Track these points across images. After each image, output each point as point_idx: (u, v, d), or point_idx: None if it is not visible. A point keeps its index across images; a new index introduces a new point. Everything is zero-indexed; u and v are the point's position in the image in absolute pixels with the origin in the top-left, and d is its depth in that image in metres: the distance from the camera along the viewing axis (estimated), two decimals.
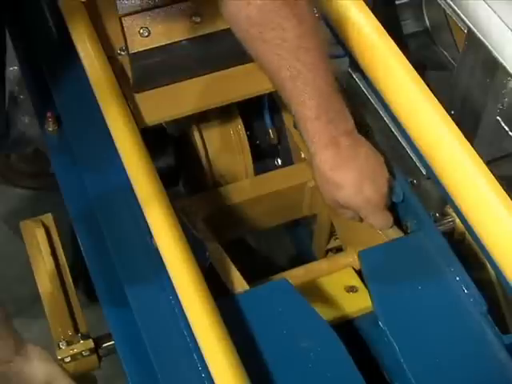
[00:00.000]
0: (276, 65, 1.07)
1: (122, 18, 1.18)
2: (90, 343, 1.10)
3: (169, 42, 1.20)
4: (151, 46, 1.20)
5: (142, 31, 1.19)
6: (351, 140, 1.10)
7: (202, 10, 1.20)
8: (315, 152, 1.10)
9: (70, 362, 1.10)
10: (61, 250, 1.24)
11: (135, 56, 1.20)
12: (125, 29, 1.19)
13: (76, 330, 1.15)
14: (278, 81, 1.09)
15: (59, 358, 1.10)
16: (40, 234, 1.23)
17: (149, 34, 1.19)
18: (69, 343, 1.11)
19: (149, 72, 1.22)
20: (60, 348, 1.11)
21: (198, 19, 1.20)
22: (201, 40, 1.22)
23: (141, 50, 1.20)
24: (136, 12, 1.18)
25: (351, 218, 1.16)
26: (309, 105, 1.07)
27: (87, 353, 1.10)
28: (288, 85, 1.08)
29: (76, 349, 1.10)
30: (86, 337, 1.12)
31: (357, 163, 1.10)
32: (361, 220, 1.16)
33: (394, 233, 1.16)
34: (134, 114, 1.19)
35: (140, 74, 1.22)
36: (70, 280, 1.21)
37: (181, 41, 1.21)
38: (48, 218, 1.26)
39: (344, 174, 1.10)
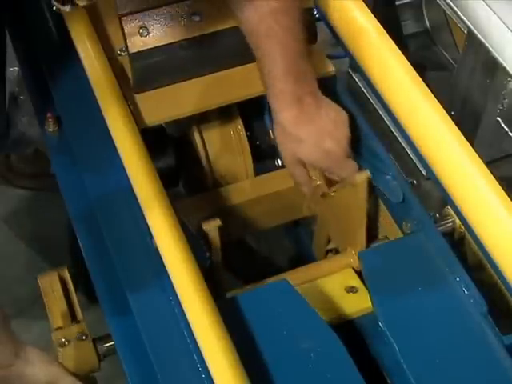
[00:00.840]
0: (256, 23, 1.13)
1: (122, 18, 1.18)
2: (83, 326, 1.11)
3: (168, 41, 1.21)
4: (151, 46, 1.20)
5: (141, 31, 1.19)
6: (314, 99, 1.15)
7: (201, 9, 1.20)
8: (279, 109, 1.16)
9: (65, 344, 1.10)
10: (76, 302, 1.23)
11: (135, 56, 1.20)
12: (124, 28, 1.19)
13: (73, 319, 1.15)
14: (256, 39, 1.14)
15: (54, 339, 1.11)
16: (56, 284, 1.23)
17: (148, 33, 1.19)
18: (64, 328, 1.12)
19: (149, 72, 1.22)
20: (55, 331, 1.12)
21: (198, 19, 1.20)
22: (201, 40, 1.22)
23: (140, 49, 1.20)
24: (135, 12, 1.18)
25: (306, 180, 1.22)
26: (279, 64, 1.13)
27: (80, 334, 1.10)
28: (263, 42, 1.13)
29: (70, 330, 1.11)
30: (79, 322, 1.13)
31: (318, 120, 1.15)
32: (317, 180, 1.22)
33: (360, 177, 1.18)
34: (134, 114, 1.19)
35: (140, 75, 1.22)
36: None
37: (180, 40, 1.21)
38: (64, 272, 1.25)
39: (305, 129, 1.15)
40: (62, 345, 1.10)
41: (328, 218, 1.33)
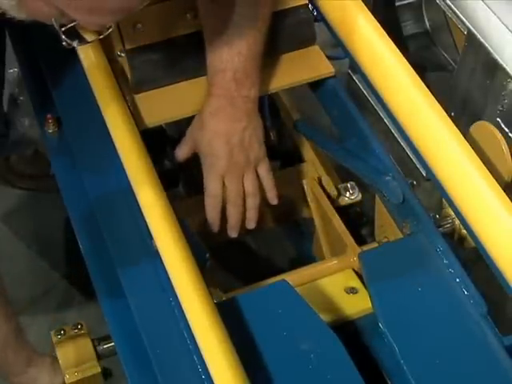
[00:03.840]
0: (211, 12, 1.15)
1: None
2: (84, 328, 1.12)
3: (165, 37, 1.21)
4: (147, 42, 1.20)
5: (137, 26, 1.19)
6: (245, 107, 1.16)
7: (197, 6, 1.20)
8: (207, 96, 1.17)
9: (62, 339, 1.10)
10: None
11: (132, 52, 1.20)
12: (120, 24, 1.19)
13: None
14: (210, 31, 1.16)
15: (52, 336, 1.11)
16: None
17: (144, 29, 1.19)
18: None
19: (146, 70, 1.22)
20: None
21: (194, 14, 1.21)
22: (197, 36, 1.22)
23: (137, 46, 1.20)
24: None
25: (215, 189, 1.19)
26: (223, 58, 1.14)
27: (75, 326, 1.11)
28: (212, 34, 1.15)
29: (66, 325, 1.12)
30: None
31: (236, 124, 1.16)
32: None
33: None
34: (134, 115, 1.19)
35: (138, 72, 1.22)
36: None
37: (177, 37, 1.22)
38: None
39: (219, 122, 1.15)
40: (59, 336, 1.11)
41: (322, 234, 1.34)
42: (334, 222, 1.25)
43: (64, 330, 1.11)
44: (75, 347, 1.11)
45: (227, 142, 1.16)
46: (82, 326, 1.12)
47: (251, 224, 1.22)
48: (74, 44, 0.95)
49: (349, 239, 1.22)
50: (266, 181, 1.22)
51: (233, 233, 1.21)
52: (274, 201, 1.22)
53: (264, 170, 1.21)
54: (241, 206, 1.20)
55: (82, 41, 0.98)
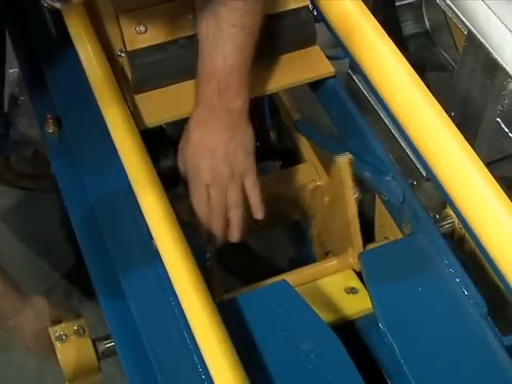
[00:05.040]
0: (200, 22, 1.14)
1: (119, 16, 1.18)
2: (81, 320, 1.11)
3: (166, 39, 1.21)
4: (149, 44, 1.20)
5: (139, 28, 1.19)
6: (229, 118, 1.14)
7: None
8: (194, 104, 1.16)
9: (62, 339, 1.09)
10: None
11: (133, 54, 1.20)
12: (122, 26, 1.19)
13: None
14: (200, 39, 1.14)
15: (52, 335, 1.10)
16: None
17: (146, 31, 1.19)
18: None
19: (148, 71, 1.22)
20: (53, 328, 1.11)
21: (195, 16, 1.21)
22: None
23: (138, 47, 1.20)
24: (133, 9, 1.18)
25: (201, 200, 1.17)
26: (208, 68, 1.13)
27: (76, 327, 1.09)
28: (201, 43, 1.14)
29: (67, 324, 1.10)
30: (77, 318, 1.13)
31: (219, 135, 1.14)
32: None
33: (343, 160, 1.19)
34: (134, 115, 1.19)
35: (139, 74, 1.22)
36: None
37: (179, 38, 1.22)
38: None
39: (203, 133, 1.14)
40: (61, 340, 1.10)
41: (321, 222, 1.33)
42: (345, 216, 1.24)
43: (66, 335, 1.11)
44: (76, 348, 1.10)
45: (211, 153, 1.14)
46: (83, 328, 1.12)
47: (234, 237, 1.19)
48: (57, 5, 0.92)
49: (357, 236, 1.21)
50: (250, 194, 1.18)
51: (217, 243, 1.18)
52: (258, 215, 1.19)
53: (250, 183, 1.18)
54: (223, 218, 1.17)
55: (66, 2, 0.94)
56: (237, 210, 1.17)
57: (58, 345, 1.09)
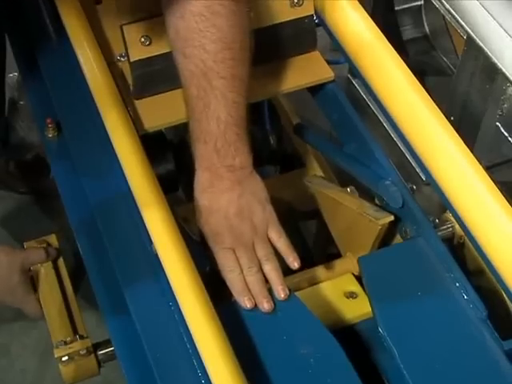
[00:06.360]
0: (189, 80, 1.08)
1: (123, 27, 1.18)
2: (88, 342, 1.10)
3: (170, 50, 1.20)
4: (152, 55, 1.20)
5: (143, 40, 1.19)
6: (233, 176, 1.08)
7: None
8: (196, 169, 1.10)
9: (67, 360, 1.09)
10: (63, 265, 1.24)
11: (136, 64, 1.20)
12: (125, 37, 1.19)
13: (75, 332, 1.15)
14: (187, 96, 1.10)
15: (56, 356, 1.09)
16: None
17: (150, 42, 1.19)
18: (67, 343, 1.11)
19: (149, 80, 1.22)
20: (58, 348, 1.11)
21: None
22: None
23: (142, 57, 1.20)
24: (137, 21, 1.18)
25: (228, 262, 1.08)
26: (203, 127, 1.08)
27: (84, 351, 1.09)
28: (192, 102, 1.09)
29: (73, 347, 1.10)
30: (83, 337, 1.12)
31: (228, 195, 1.08)
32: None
33: (384, 221, 1.15)
34: (134, 120, 1.19)
35: (140, 82, 1.22)
36: (70, 287, 1.21)
37: None
38: (52, 238, 1.26)
39: (210, 198, 1.09)
40: (66, 363, 1.10)
41: (335, 222, 1.32)
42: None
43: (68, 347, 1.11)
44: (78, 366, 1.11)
45: (224, 215, 1.08)
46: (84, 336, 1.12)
47: (281, 293, 1.06)
48: None
49: (357, 240, 1.21)
50: (279, 245, 1.10)
51: (265, 305, 1.06)
52: (294, 265, 1.09)
53: (274, 234, 1.10)
54: (258, 274, 1.07)
55: None
56: (271, 263, 1.08)
57: (60, 367, 1.10)
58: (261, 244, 1.09)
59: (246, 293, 1.06)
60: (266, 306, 1.05)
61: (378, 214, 1.17)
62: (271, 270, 1.08)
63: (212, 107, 1.07)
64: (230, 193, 1.08)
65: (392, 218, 1.16)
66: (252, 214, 1.09)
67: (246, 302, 1.05)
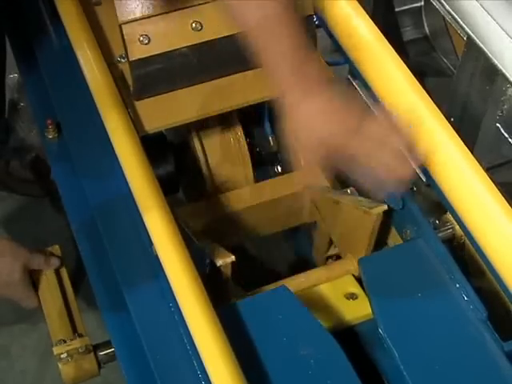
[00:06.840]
0: (256, 27, 1.05)
1: (122, 26, 1.18)
2: (86, 340, 1.10)
3: (169, 49, 1.20)
4: (151, 54, 1.20)
5: (142, 39, 1.19)
6: (313, 80, 1.03)
7: (202, 17, 1.20)
8: (283, 94, 1.04)
9: (66, 358, 1.09)
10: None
11: (135, 64, 1.20)
12: (125, 36, 1.19)
13: (74, 332, 1.15)
14: (257, 44, 1.06)
15: (55, 353, 1.10)
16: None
17: (149, 41, 1.19)
18: (66, 342, 1.11)
19: (149, 80, 1.22)
20: (57, 345, 1.11)
21: (199, 26, 1.20)
22: (201, 47, 1.22)
23: (141, 57, 1.20)
24: (136, 19, 1.18)
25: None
26: (272, 52, 1.04)
27: (83, 349, 1.09)
28: (257, 33, 1.04)
29: (72, 345, 1.10)
30: (82, 336, 1.12)
31: (318, 97, 1.02)
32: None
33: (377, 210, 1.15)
34: (134, 121, 1.19)
35: (140, 82, 1.22)
36: (70, 287, 1.21)
37: (181, 48, 1.21)
38: (55, 249, 1.26)
39: (308, 108, 1.01)
40: (65, 361, 1.10)
41: (334, 223, 1.32)
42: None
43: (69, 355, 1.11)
44: (78, 366, 1.11)
45: (323, 117, 1.01)
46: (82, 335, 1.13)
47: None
48: None
49: (357, 242, 1.21)
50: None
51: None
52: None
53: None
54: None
55: None
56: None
57: (60, 366, 1.10)
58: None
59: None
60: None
61: (372, 205, 1.17)
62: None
63: (276, 33, 1.02)
64: (318, 96, 1.02)
65: (385, 207, 1.16)
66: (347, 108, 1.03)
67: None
